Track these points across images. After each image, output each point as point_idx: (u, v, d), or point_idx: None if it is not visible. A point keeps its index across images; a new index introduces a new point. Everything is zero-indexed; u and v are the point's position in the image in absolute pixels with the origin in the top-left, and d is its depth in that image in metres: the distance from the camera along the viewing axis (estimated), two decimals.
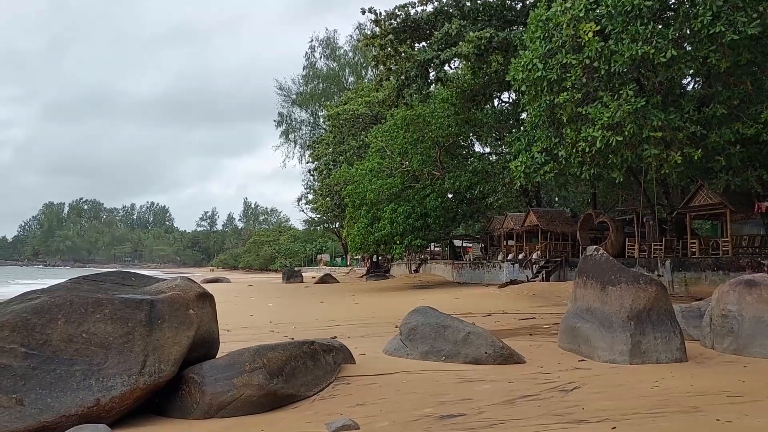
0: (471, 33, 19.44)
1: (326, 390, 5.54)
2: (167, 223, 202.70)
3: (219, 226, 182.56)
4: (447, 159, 28.52)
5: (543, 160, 15.20)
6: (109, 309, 4.87)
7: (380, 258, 47.75)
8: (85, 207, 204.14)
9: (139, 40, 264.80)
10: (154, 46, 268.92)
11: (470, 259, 33.88)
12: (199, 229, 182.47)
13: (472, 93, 25.12)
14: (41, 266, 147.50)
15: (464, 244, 38.79)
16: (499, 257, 28.85)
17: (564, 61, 13.51)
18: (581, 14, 13.24)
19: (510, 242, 29.60)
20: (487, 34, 19.16)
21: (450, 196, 28.67)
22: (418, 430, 4.17)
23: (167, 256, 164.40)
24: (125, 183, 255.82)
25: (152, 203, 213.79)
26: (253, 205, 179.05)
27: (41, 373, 4.43)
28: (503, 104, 29.35)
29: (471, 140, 31.35)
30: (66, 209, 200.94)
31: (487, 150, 32.70)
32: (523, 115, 22.28)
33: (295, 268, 55.50)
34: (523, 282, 23.57)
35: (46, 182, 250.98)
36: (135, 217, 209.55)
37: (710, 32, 12.26)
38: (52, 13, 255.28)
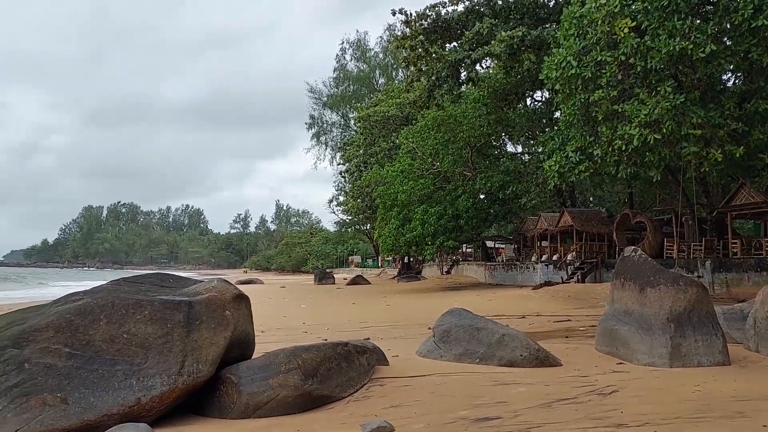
0: (503, 32, 19.25)
1: (360, 391, 5.55)
2: (202, 225, 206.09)
3: (252, 229, 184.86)
4: (479, 159, 28.34)
5: (578, 159, 14.95)
6: (149, 310, 4.97)
7: (411, 259, 47.67)
8: (123, 210, 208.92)
9: (178, 47, 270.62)
10: (191, 52, 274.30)
11: (503, 261, 33.58)
12: (232, 231, 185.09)
13: (504, 92, 24.89)
14: (86, 268, 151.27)
15: (497, 245, 38.45)
16: (533, 258, 28.52)
17: (599, 58, 13.28)
18: (616, 10, 13.00)
19: (544, 243, 29.23)
20: (520, 33, 18.95)
21: (482, 196, 28.47)
22: None
23: (202, 258, 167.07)
24: (161, 186, 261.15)
25: (187, 206, 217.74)
26: (285, 208, 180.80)
27: (84, 372, 4.54)
28: (536, 103, 29.01)
29: (503, 140, 31.08)
30: (105, 212, 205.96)
31: (520, 150, 32.41)
32: (557, 114, 21.99)
33: (327, 270, 55.79)
34: (557, 283, 23.26)
35: (86, 186, 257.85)
36: (171, 219, 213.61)
37: (751, 26, 11.91)
38: (94, 23, 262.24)
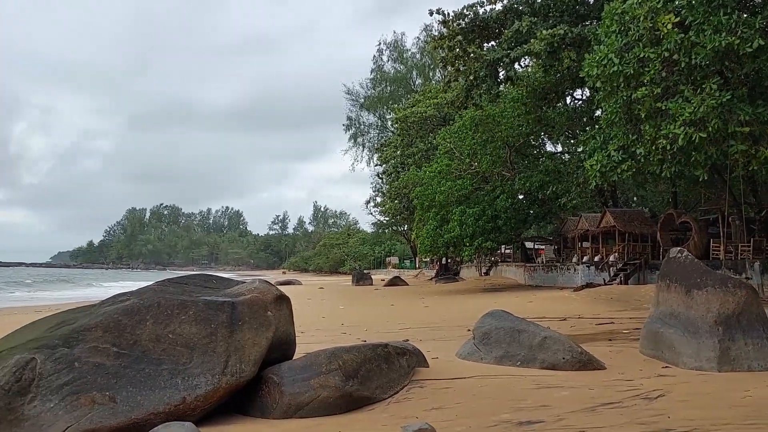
0: (543, 30, 18.98)
1: (401, 393, 5.55)
2: (241, 227, 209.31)
3: (290, 230, 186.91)
4: (517, 159, 28.03)
5: (620, 158, 14.65)
6: (193, 311, 5.08)
7: (449, 260, 47.44)
8: (165, 212, 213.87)
9: (217, 52, 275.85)
10: (231, 56, 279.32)
11: (543, 262, 33.10)
12: (271, 232, 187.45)
13: (543, 91, 24.54)
14: (131, 269, 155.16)
15: (536, 246, 37.94)
16: (574, 259, 28.05)
17: (641, 55, 12.98)
18: (659, 6, 12.69)
19: (585, 244, 28.69)
20: (561, 31, 18.65)
21: (521, 197, 28.15)
22: None
23: (241, 258, 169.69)
24: (202, 188, 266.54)
25: (227, 208, 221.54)
26: (322, 209, 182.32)
27: (132, 371, 4.66)
28: (576, 102, 28.53)
29: (542, 139, 30.65)
30: (147, 214, 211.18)
31: (560, 149, 31.90)
32: (598, 112, 21.58)
33: (365, 271, 55.99)
34: (599, 285, 22.80)
35: (130, 189, 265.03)
36: (211, 221, 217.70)
37: None
38: (137, 29, 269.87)
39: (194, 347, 4.89)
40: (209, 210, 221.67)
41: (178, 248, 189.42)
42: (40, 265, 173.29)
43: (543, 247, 36.93)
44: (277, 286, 6.08)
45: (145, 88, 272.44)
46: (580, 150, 23.70)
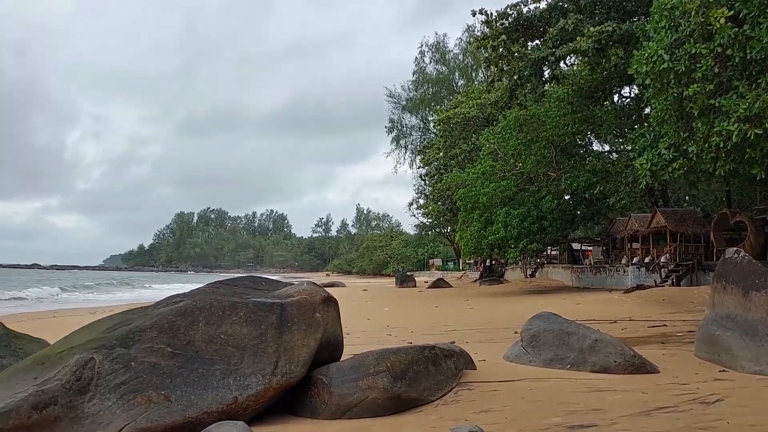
0: (590, 27, 18.60)
1: (448, 395, 5.52)
2: (285, 229, 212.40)
3: (333, 232, 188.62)
4: (563, 159, 27.55)
5: (671, 157, 14.20)
6: (243, 312, 5.17)
7: (494, 262, 46.97)
8: (212, 216, 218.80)
9: (262, 57, 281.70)
10: (275, 61, 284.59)
11: (591, 263, 32.43)
12: (314, 235, 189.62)
13: (589, 89, 24.06)
14: (181, 272, 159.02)
15: (584, 248, 37.22)
16: (623, 261, 27.40)
17: (693, 51, 12.56)
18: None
19: (635, 245, 28.02)
20: (609, 28, 18.23)
21: (567, 197, 27.66)
22: None
23: (286, 261, 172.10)
24: (247, 192, 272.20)
25: (272, 211, 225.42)
26: (365, 211, 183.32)
27: (185, 371, 4.77)
28: (624, 99, 27.87)
29: (589, 138, 30.07)
30: (195, 218, 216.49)
31: (607, 148, 31.21)
32: (647, 110, 21.00)
33: (408, 273, 55.97)
34: (650, 287, 22.20)
35: (178, 193, 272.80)
36: (256, 224, 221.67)
37: None
38: (184, 37, 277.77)
39: (245, 348, 4.98)
40: (254, 213, 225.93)
41: (225, 251, 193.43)
42: (94, 268, 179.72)
43: (591, 248, 36.22)
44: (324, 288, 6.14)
45: (192, 94, 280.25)
46: (629, 149, 23.15)
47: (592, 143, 31.15)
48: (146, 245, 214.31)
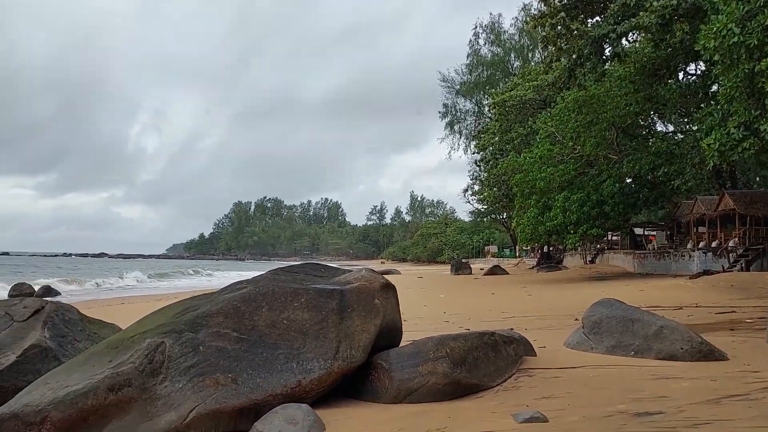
0: (654, 1, 17.84)
1: (509, 381, 5.48)
2: (340, 217, 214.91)
3: (387, 220, 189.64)
4: (625, 141, 26.67)
5: (741, 136, 13.54)
6: (304, 298, 5.28)
7: (551, 248, 46.12)
8: (269, 205, 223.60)
9: (314, 45, 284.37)
10: (327, 49, 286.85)
11: (654, 248, 31.39)
12: (369, 222, 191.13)
13: (653, 67, 23.12)
14: (243, 260, 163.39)
15: (646, 233, 36.03)
16: (689, 246, 26.40)
17: (766, 23, 11.90)
18: None
19: (701, 229, 26.93)
20: (674, 2, 17.43)
21: (629, 180, 26.81)
22: (612, 426, 3.96)
23: (341, 249, 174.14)
24: (302, 181, 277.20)
25: (326, 199, 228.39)
26: (419, 198, 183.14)
27: (250, 355, 4.92)
28: (690, 77, 26.67)
29: (652, 119, 28.98)
30: (252, 207, 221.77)
31: (671, 128, 30.02)
32: (715, 87, 20.09)
33: (463, 260, 55.68)
34: (717, 272, 21.34)
35: (236, 183, 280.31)
36: (311, 213, 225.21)
37: None
38: (238, 28, 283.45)
39: (307, 333, 5.09)
40: (309, 202, 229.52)
41: (282, 239, 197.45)
42: (158, 256, 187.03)
43: (654, 233, 35.08)
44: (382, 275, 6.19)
45: (247, 84, 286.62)
46: (695, 128, 22.21)
47: (656, 124, 30.07)
48: (206, 234, 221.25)
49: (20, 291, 26.61)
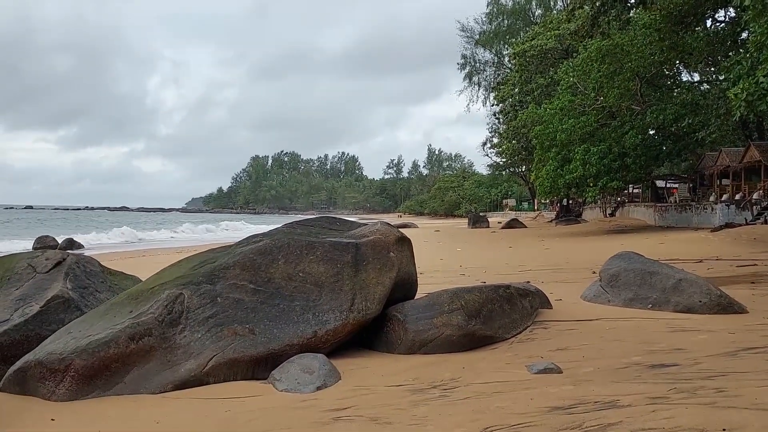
0: None
1: (523, 333, 5.51)
2: (357, 171, 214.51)
3: (404, 174, 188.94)
4: (648, 91, 25.96)
5: None
6: (320, 251, 5.29)
7: (571, 201, 45.74)
8: (286, 159, 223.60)
9: None
10: (346, 0, 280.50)
11: (676, 201, 30.97)
12: (386, 176, 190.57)
13: (680, 14, 22.21)
14: (261, 213, 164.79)
15: (668, 185, 35.49)
16: (711, 198, 26.00)
17: None
18: None
19: (725, 181, 26.46)
20: None
21: (652, 132, 26.22)
22: (627, 378, 3.97)
23: (358, 203, 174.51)
24: (319, 135, 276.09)
25: (343, 153, 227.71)
26: (437, 152, 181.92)
27: (267, 307, 4.98)
28: (718, 24, 25.66)
29: (677, 68, 28.10)
30: (270, 161, 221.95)
31: (697, 78, 29.15)
32: (744, 35, 19.34)
33: (481, 214, 55.52)
34: (740, 225, 21.02)
35: (253, 137, 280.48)
36: (328, 167, 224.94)
37: None
38: None
39: (323, 285, 5.13)
40: (326, 156, 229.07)
41: (299, 193, 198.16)
42: (178, 210, 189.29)
43: (676, 185, 34.56)
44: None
45: (264, 36, 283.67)
46: (722, 78, 21.51)
47: (681, 73, 29.16)
48: (224, 188, 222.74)
49: (44, 243, 27.19)
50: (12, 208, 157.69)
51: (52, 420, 3.97)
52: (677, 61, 26.50)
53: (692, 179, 30.92)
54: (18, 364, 4.76)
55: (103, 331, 4.70)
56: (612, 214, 38.19)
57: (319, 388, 4.32)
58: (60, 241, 28.65)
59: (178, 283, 5.10)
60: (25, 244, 28.44)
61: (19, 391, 4.65)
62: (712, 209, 24.83)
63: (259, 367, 4.70)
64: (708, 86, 26.28)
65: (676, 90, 26.46)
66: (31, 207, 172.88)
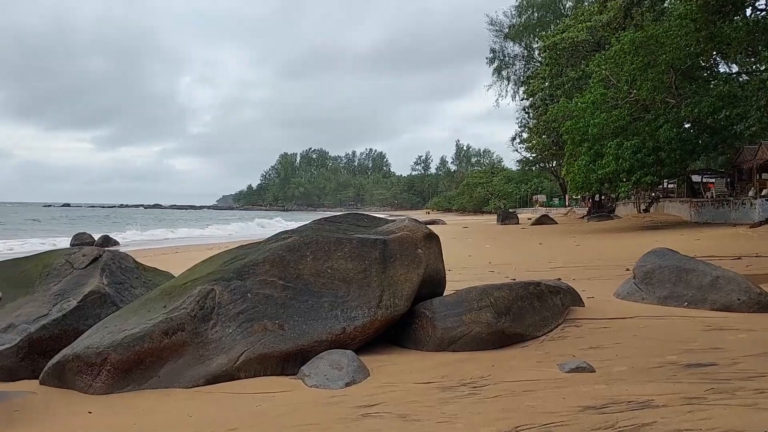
0: None
1: (555, 331, 5.43)
2: (384, 168, 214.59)
3: (432, 170, 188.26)
4: (684, 84, 25.27)
5: None
6: (348, 247, 5.30)
7: (603, 197, 45.01)
8: (314, 156, 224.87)
9: None
10: None
11: (712, 196, 30.21)
12: (413, 173, 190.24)
13: (717, 3, 21.59)
14: (290, 210, 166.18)
15: (704, 180, 34.63)
16: (750, 193, 25.28)
17: None
18: None
19: (764, 175, 25.71)
20: None
21: (687, 125, 25.58)
22: (662, 377, 3.88)
23: (385, 199, 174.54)
24: (347, 132, 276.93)
25: (371, 150, 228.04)
26: (465, 148, 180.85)
27: (296, 303, 5.01)
28: (759, 13, 24.87)
29: (714, 60, 27.32)
30: (298, 159, 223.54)
31: (736, 69, 28.32)
32: None
33: (510, 210, 54.99)
34: None
35: (282, 135, 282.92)
36: (356, 163, 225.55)
37: None
38: None
39: (351, 282, 5.13)
40: (354, 153, 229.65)
41: (327, 190, 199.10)
42: (208, 207, 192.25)
43: (713, 180, 33.67)
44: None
45: (293, 36, 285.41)
46: (762, 69, 20.86)
47: (718, 65, 28.32)
48: (254, 185, 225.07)
49: (81, 240, 27.92)
50: (50, 205, 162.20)
51: (89, 413, 4.06)
52: (714, 52, 25.76)
53: (730, 173, 30.11)
54: (56, 357, 4.88)
55: (137, 325, 4.79)
56: (646, 210, 37.43)
57: (348, 385, 4.33)
58: (96, 238, 29.33)
59: (210, 279, 5.16)
60: (63, 241, 29.22)
61: (57, 384, 4.77)
62: (751, 204, 24.14)
63: (289, 362, 4.73)
64: (747, 77, 25.49)
65: (712, 82, 25.73)
66: (68, 205, 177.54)
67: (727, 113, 22.18)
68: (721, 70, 28.15)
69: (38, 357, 5.23)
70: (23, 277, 6.14)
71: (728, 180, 30.61)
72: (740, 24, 23.18)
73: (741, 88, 23.08)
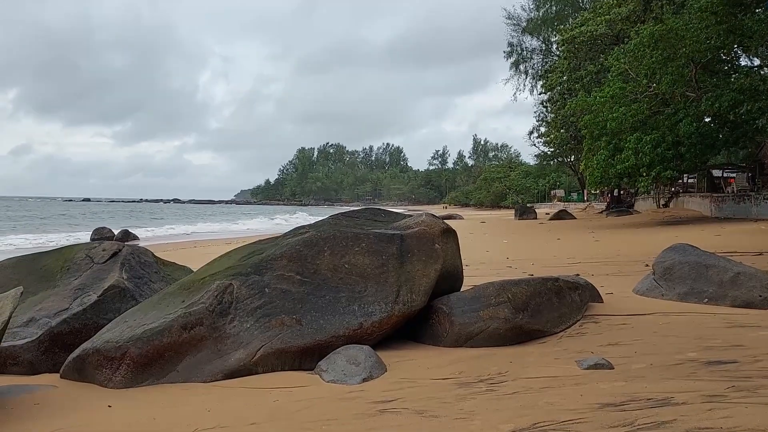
0: None
1: (573, 327, 5.40)
2: (402, 163, 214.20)
3: (450, 165, 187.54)
4: (704, 77, 24.90)
5: None
6: (365, 243, 5.30)
7: (622, 192, 44.56)
8: (331, 151, 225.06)
9: None
10: None
11: (733, 191, 29.77)
12: (431, 167, 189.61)
13: None
14: (307, 205, 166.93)
15: (725, 175, 34.13)
16: None
17: None
18: None
19: None
20: None
21: (707, 120, 25.20)
22: (681, 374, 3.84)
23: (403, 194, 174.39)
24: (364, 126, 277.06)
25: (388, 144, 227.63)
26: (482, 142, 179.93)
27: (314, 298, 5.02)
28: None
29: (735, 53, 26.85)
30: (315, 153, 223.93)
31: (757, 62, 27.81)
32: None
33: (528, 205, 54.66)
34: None
35: (299, 130, 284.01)
36: (373, 158, 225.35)
37: None
38: None
39: (368, 277, 5.14)
40: (371, 147, 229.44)
41: (344, 185, 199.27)
42: (227, 202, 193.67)
43: (734, 174, 33.19)
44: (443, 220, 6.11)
45: (310, 31, 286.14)
46: None
47: (739, 58, 27.84)
48: (272, 180, 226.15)
49: (101, 235, 28.27)
50: (71, 200, 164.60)
51: (109, 406, 4.11)
52: (735, 46, 25.34)
53: (751, 168, 29.63)
54: (77, 351, 4.95)
55: (156, 320, 4.84)
56: (665, 205, 37.02)
57: (365, 380, 4.34)
58: (116, 233, 29.69)
59: (228, 274, 5.19)
60: (84, 235, 29.63)
61: (77, 378, 4.84)
62: None
63: (306, 357, 4.75)
64: None
65: (733, 75, 25.31)
66: (88, 199, 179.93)
67: (749, 107, 21.80)
68: (742, 64, 27.69)
69: (59, 351, 5.30)
70: (44, 272, 6.23)
71: (749, 175, 30.15)
72: (762, 16, 22.77)
73: (762, 81, 22.67)
